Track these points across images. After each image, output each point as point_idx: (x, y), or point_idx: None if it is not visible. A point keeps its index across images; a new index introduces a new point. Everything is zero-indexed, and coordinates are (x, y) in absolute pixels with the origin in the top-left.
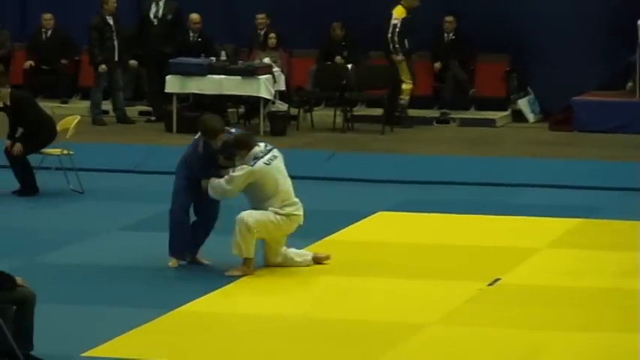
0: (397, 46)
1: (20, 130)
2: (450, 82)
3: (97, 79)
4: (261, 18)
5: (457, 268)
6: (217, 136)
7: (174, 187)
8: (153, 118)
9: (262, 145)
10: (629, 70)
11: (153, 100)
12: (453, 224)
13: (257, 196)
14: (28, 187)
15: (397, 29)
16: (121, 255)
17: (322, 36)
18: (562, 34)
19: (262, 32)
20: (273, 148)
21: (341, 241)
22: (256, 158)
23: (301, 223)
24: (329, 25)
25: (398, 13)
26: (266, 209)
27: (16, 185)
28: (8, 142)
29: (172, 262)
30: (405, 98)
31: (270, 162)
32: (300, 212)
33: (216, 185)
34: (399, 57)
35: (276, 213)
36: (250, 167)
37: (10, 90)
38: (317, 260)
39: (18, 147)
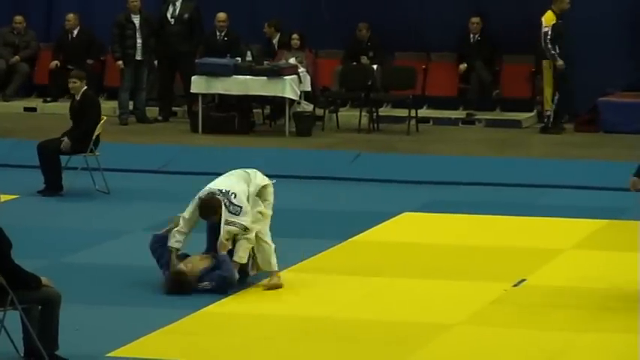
0: (553, 52)
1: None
2: (475, 84)
3: (122, 78)
4: (266, 28)
5: (482, 269)
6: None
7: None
8: (160, 117)
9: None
10: None
11: (162, 100)
12: (478, 225)
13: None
14: (53, 186)
15: (549, 37)
16: (146, 255)
17: (348, 36)
18: (587, 35)
19: (274, 41)
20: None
21: (366, 241)
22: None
23: None
24: (355, 26)
25: (547, 19)
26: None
27: (42, 185)
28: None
29: None
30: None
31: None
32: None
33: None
34: (559, 62)
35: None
36: (241, 199)
37: (86, 87)
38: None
39: (67, 143)
